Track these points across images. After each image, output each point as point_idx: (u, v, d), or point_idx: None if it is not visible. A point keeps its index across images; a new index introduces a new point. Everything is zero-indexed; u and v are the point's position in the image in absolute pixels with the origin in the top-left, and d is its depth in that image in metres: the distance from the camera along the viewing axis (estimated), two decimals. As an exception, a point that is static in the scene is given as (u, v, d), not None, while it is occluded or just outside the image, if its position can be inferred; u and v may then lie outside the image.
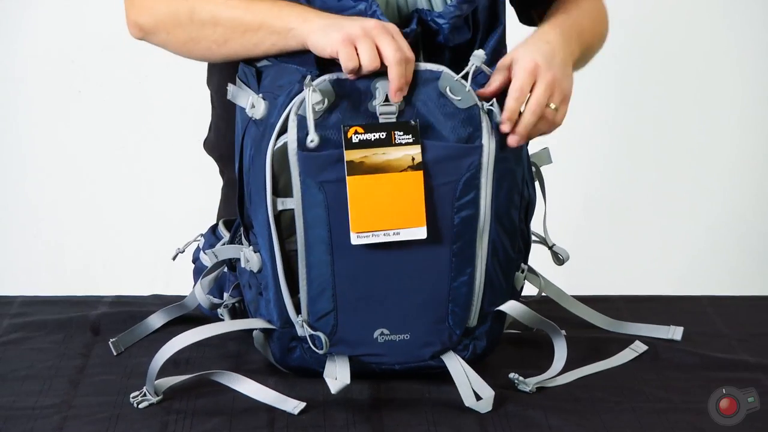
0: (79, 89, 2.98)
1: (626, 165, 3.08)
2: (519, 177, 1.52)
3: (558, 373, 1.54)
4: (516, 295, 1.58)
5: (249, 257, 1.52)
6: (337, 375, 1.48)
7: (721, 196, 3.07)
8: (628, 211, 3.08)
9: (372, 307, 1.49)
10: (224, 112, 1.74)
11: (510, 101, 1.45)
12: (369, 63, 1.42)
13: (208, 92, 1.83)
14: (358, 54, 1.42)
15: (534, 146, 1.62)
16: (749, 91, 3.05)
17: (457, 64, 1.47)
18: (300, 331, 1.49)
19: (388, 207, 1.44)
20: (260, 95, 1.49)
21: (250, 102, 1.49)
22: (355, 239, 1.45)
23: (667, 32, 3.05)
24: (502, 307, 1.53)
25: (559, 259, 1.63)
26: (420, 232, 1.45)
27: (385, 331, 1.50)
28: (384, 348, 1.50)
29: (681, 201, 3.07)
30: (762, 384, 1.54)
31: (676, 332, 1.69)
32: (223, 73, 1.74)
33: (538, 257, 1.63)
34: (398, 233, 1.45)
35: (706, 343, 1.68)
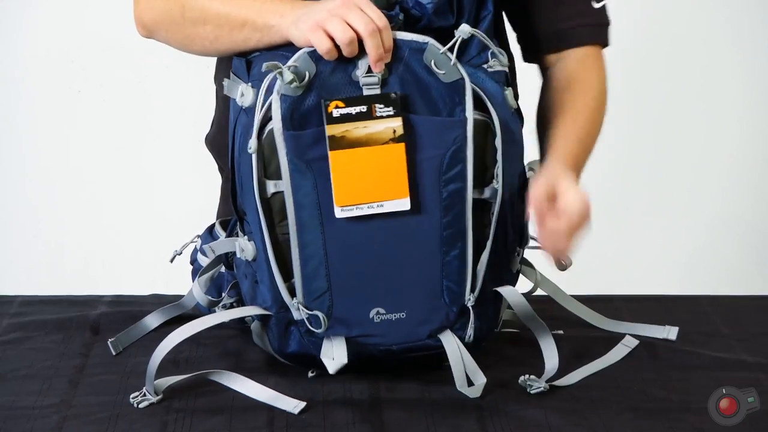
0: (79, 89, 2.98)
1: (626, 165, 3.08)
2: (519, 155, 1.53)
3: (555, 373, 1.54)
4: (512, 277, 1.59)
5: (243, 246, 1.53)
6: (334, 355, 1.48)
7: (721, 196, 3.07)
8: (628, 211, 3.08)
9: (366, 284, 1.49)
10: (226, 108, 1.74)
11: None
12: (343, 37, 1.43)
13: (210, 90, 1.83)
14: (331, 36, 1.44)
15: (533, 150, 1.62)
16: (748, 90, 3.05)
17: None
18: (296, 315, 1.49)
19: (371, 180, 1.46)
20: (249, 84, 1.51)
21: (240, 91, 1.51)
22: (339, 212, 1.46)
23: (667, 32, 3.05)
24: (500, 289, 1.54)
25: (561, 264, 1.64)
26: (403, 204, 1.46)
27: (381, 311, 1.50)
28: (381, 328, 1.50)
29: (681, 201, 3.07)
30: (762, 384, 1.54)
31: (671, 332, 1.69)
32: (228, 69, 1.74)
33: (538, 260, 1.63)
34: (381, 205, 1.46)
35: (705, 343, 1.68)
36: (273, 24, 1.49)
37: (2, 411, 1.46)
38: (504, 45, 1.69)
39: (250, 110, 1.48)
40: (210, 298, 1.64)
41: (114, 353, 1.62)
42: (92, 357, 1.62)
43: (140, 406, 1.47)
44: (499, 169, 1.48)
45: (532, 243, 1.63)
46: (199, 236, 1.74)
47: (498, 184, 1.48)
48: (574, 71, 1.68)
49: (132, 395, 1.49)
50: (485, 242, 1.50)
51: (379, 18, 1.45)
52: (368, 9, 1.45)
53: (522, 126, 1.57)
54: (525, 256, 1.63)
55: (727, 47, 3.04)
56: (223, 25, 1.53)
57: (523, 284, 1.62)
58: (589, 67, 1.68)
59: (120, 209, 3.00)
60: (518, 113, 1.57)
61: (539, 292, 1.65)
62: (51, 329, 1.69)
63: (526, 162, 1.60)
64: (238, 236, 1.57)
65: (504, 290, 1.54)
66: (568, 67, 1.68)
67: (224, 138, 1.72)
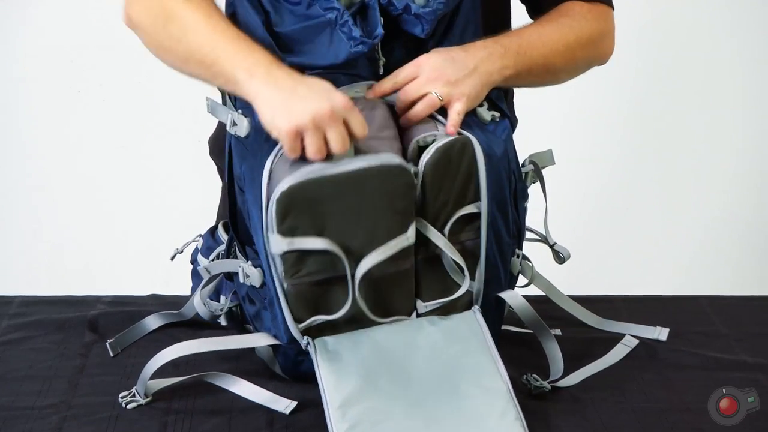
0: (79, 89, 2.98)
1: (626, 165, 3.08)
2: (504, 164, 1.52)
3: (561, 375, 1.54)
4: (513, 281, 1.59)
5: (249, 272, 1.50)
6: None
7: (721, 197, 3.07)
8: (628, 211, 3.08)
9: None
10: None
11: (382, 81, 1.51)
12: (314, 154, 1.40)
13: (210, 91, 1.82)
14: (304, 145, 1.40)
15: (537, 147, 1.62)
16: (748, 91, 3.05)
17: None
18: (311, 351, 1.46)
19: None
20: (239, 111, 1.48)
21: (231, 119, 1.48)
22: None
23: (668, 31, 3.06)
24: (502, 294, 1.54)
25: (560, 257, 1.63)
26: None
27: None
28: None
29: (681, 201, 3.07)
30: (762, 384, 1.54)
31: (662, 333, 1.69)
32: None
33: (539, 256, 1.63)
34: None
35: (705, 343, 1.68)
36: (239, 80, 1.43)
37: (2, 411, 1.46)
38: None
39: (248, 142, 1.46)
40: (212, 310, 1.63)
41: (112, 355, 1.62)
42: (92, 357, 1.62)
43: (128, 407, 1.47)
44: (482, 185, 1.48)
45: (529, 235, 1.63)
46: (200, 236, 1.73)
47: (483, 199, 1.48)
48: (566, 8, 1.66)
49: (121, 395, 1.49)
50: (479, 253, 1.50)
51: (361, 128, 1.41)
52: (354, 118, 1.40)
53: (512, 129, 1.57)
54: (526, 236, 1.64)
55: (728, 48, 3.04)
56: (194, 53, 1.47)
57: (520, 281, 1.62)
58: (584, 13, 1.65)
59: (120, 209, 3.00)
60: (504, 117, 1.56)
61: (536, 291, 1.65)
62: (50, 329, 1.69)
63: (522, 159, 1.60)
64: (237, 256, 1.56)
65: (506, 295, 1.54)
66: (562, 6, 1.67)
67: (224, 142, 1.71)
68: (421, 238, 1.47)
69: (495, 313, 1.56)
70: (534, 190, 1.62)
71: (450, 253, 1.47)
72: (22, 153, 2.99)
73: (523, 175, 1.59)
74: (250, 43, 1.45)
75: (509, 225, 1.53)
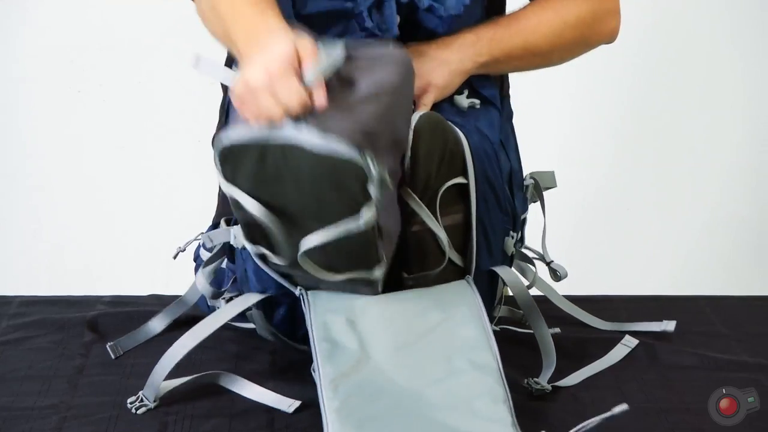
0: (79, 89, 2.98)
1: (625, 165, 3.08)
2: (488, 145, 1.53)
3: (557, 374, 1.54)
4: (507, 260, 1.59)
5: (237, 233, 1.53)
6: None
7: (720, 197, 3.07)
8: (627, 212, 3.08)
9: None
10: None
11: None
12: (256, 119, 1.37)
13: (210, 90, 1.82)
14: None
15: (536, 146, 1.62)
16: (746, 91, 3.05)
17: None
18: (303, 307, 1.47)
19: None
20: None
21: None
22: None
23: (667, 32, 3.06)
24: (496, 269, 1.54)
25: (557, 275, 1.64)
26: None
27: None
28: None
29: (680, 201, 3.07)
30: (762, 384, 1.54)
31: (668, 325, 1.69)
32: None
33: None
34: None
35: (705, 344, 1.68)
36: (238, 48, 1.42)
37: (2, 411, 1.46)
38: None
39: None
40: (213, 288, 1.63)
41: (114, 356, 1.62)
42: (92, 357, 1.62)
43: (138, 412, 1.47)
44: (468, 158, 1.49)
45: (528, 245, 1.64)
46: (203, 233, 1.73)
47: (469, 170, 1.49)
48: None
49: (129, 400, 1.49)
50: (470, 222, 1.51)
51: (290, 101, 1.33)
52: (281, 91, 1.33)
53: (504, 118, 1.57)
54: (525, 252, 1.64)
55: (726, 48, 3.04)
56: (223, 21, 1.46)
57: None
58: None
59: (119, 209, 2.99)
60: (487, 104, 1.57)
61: (535, 291, 1.65)
62: (50, 329, 1.69)
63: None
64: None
65: (500, 270, 1.55)
66: None
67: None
68: (409, 210, 1.47)
69: (488, 289, 1.56)
70: (532, 207, 1.63)
71: (432, 225, 1.47)
72: (22, 153, 2.99)
73: (524, 187, 1.60)
74: (264, 9, 1.42)
75: (501, 201, 1.54)
